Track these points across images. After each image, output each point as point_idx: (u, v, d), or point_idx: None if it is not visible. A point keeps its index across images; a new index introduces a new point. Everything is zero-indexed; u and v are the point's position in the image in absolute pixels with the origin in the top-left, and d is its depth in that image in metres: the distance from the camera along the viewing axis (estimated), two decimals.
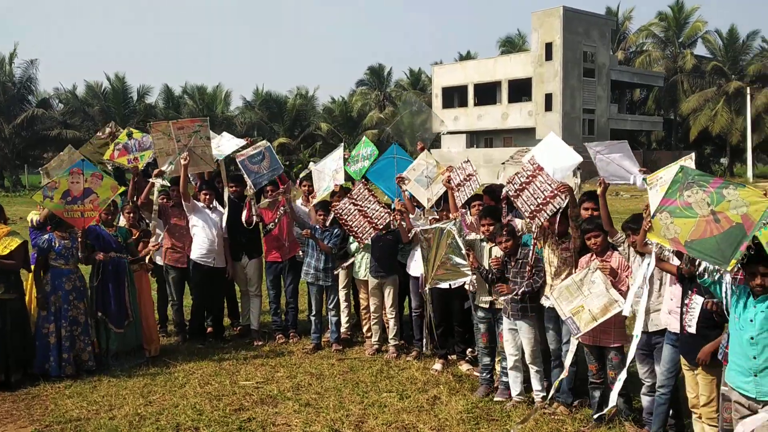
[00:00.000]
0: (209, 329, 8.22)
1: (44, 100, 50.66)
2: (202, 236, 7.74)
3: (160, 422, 5.51)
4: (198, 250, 7.75)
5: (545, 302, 5.59)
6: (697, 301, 4.50)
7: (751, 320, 3.93)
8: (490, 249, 6.12)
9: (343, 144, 8.69)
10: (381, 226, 7.10)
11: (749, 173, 46.62)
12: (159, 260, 8.04)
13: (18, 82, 47.48)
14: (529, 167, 5.72)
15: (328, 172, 7.95)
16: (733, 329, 4.07)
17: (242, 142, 8.55)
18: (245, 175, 7.78)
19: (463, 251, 5.91)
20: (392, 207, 7.21)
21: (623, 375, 4.90)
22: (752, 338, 3.91)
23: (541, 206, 5.49)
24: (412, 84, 68.84)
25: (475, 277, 5.98)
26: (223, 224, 7.88)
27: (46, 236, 6.77)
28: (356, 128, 59.27)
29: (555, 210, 5.43)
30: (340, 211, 7.19)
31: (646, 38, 58.70)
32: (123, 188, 7.00)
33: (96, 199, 6.71)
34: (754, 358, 3.90)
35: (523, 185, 5.69)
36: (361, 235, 7.14)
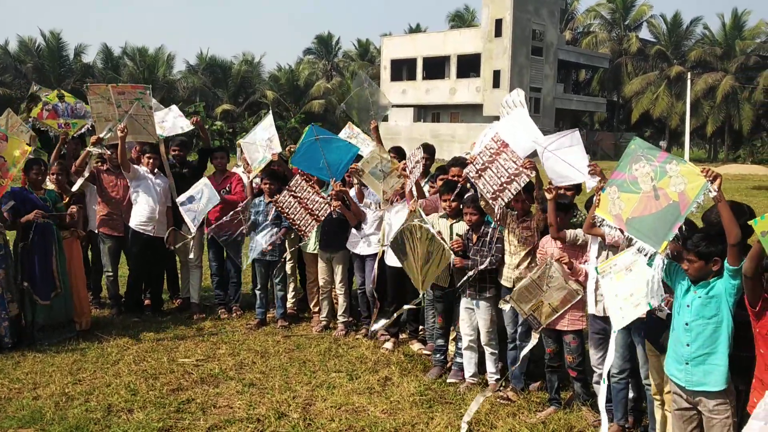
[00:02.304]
0: (147, 302, 7.76)
1: None
2: (143, 204, 7.24)
3: (90, 403, 5.07)
4: (137, 217, 7.25)
5: (503, 306, 5.34)
6: None
7: (688, 305, 3.80)
8: (451, 226, 5.85)
9: (270, 113, 8.21)
10: (322, 218, 6.78)
11: (686, 156, 47.80)
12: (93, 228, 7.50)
13: None
14: (492, 145, 5.40)
15: (260, 142, 7.50)
16: (674, 313, 3.93)
17: (188, 125, 7.93)
18: (185, 217, 7.25)
19: (437, 238, 5.53)
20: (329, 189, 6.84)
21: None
22: (687, 324, 3.79)
23: (504, 185, 5.19)
24: (361, 55, 68.08)
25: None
26: (170, 192, 7.39)
27: None
28: (302, 97, 58.39)
29: (519, 188, 5.16)
30: (281, 204, 6.82)
31: (593, 19, 59.41)
32: (30, 148, 6.37)
33: (3, 164, 6.12)
34: (687, 345, 3.79)
35: (486, 164, 5.36)
36: (304, 228, 6.80)
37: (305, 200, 6.79)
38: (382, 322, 6.21)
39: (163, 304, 7.88)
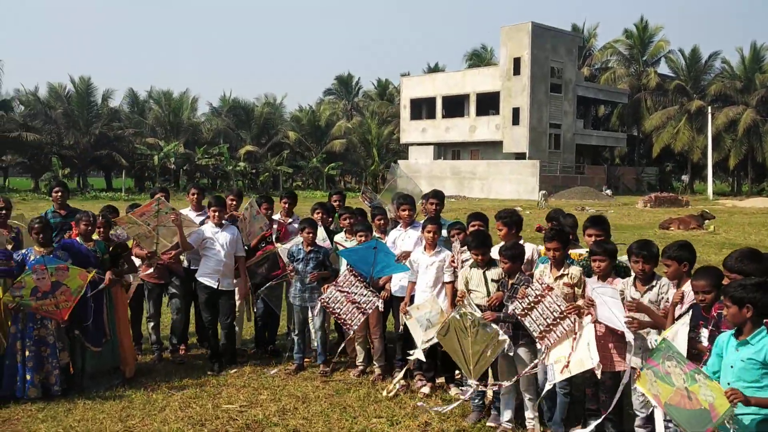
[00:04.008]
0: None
1: (5, 101, 49.34)
2: (209, 257, 7.46)
3: None
4: (203, 269, 7.50)
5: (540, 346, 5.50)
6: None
7: (732, 366, 3.88)
8: (484, 273, 6.00)
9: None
10: (370, 311, 6.97)
11: (709, 190, 47.69)
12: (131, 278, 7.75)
13: None
14: (538, 286, 5.49)
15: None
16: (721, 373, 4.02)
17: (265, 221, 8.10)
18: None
19: (483, 320, 5.70)
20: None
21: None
22: (728, 384, 3.86)
23: (550, 327, 5.37)
24: (380, 94, 69.05)
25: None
26: (237, 242, 7.60)
27: (23, 251, 6.46)
28: (323, 137, 59.14)
29: (565, 332, 5.31)
30: (327, 299, 6.99)
31: (611, 55, 59.87)
32: (92, 274, 6.66)
33: (67, 290, 6.45)
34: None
35: (532, 304, 5.48)
36: (350, 323, 6.95)
37: (353, 294, 6.94)
38: (399, 375, 6.49)
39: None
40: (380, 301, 6.95)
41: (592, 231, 5.73)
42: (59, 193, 8.08)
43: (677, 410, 4.07)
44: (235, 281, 7.62)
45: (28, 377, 6.35)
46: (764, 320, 3.84)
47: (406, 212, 7.38)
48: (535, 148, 47.23)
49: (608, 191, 46.10)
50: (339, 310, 6.95)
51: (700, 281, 4.40)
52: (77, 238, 6.96)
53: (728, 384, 3.84)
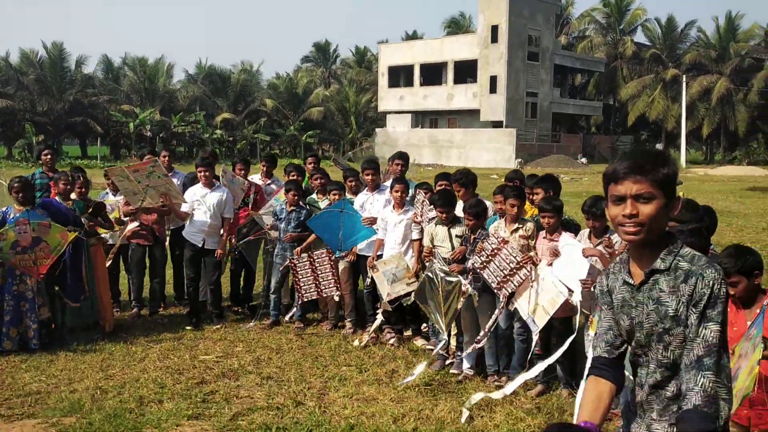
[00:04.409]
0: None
1: None
2: (196, 217, 7.71)
3: (123, 395, 5.55)
4: (189, 227, 7.77)
5: (512, 307, 5.83)
6: None
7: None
8: (449, 230, 6.31)
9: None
10: (324, 296, 7.39)
11: (683, 159, 48.46)
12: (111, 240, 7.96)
13: None
14: (494, 240, 5.76)
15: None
16: None
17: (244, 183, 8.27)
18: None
19: (454, 278, 6.00)
20: (336, 255, 7.36)
21: (563, 347, 5.26)
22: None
23: (507, 278, 5.67)
24: (358, 62, 68.68)
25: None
26: (225, 204, 7.78)
27: (3, 208, 6.65)
28: (301, 105, 58.89)
29: (521, 281, 5.61)
30: (296, 261, 7.30)
31: (588, 24, 60.12)
32: (74, 234, 6.83)
33: (46, 247, 6.65)
34: None
35: (489, 258, 5.77)
36: (303, 293, 7.32)
37: (319, 272, 7.28)
38: (372, 327, 7.04)
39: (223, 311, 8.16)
40: (337, 296, 7.33)
41: (538, 188, 6.18)
42: (48, 156, 8.30)
43: None
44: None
45: (3, 329, 6.56)
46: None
47: (369, 176, 7.63)
48: (512, 117, 47.55)
49: (583, 159, 46.70)
50: (302, 278, 7.29)
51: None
52: (56, 197, 7.15)
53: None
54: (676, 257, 2.30)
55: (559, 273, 5.50)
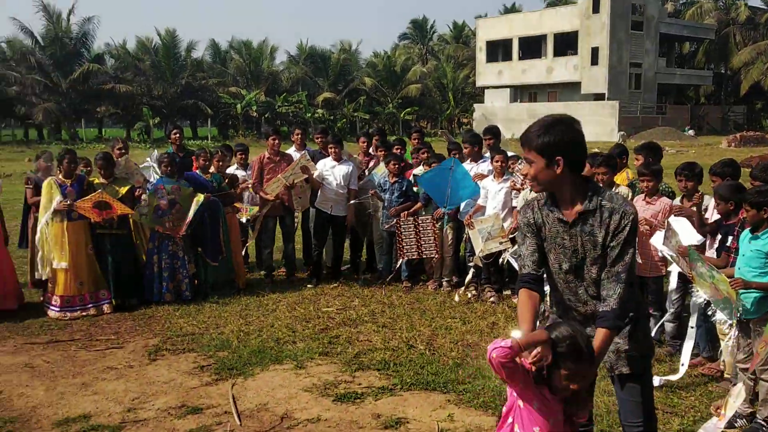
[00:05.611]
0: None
1: (98, 55, 52.03)
2: (326, 187, 8.56)
3: (262, 336, 6.54)
4: (319, 198, 8.63)
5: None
6: None
7: (743, 255, 4.64)
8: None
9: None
10: (423, 256, 8.12)
11: None
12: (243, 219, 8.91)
13: (75, 37, 48.91)
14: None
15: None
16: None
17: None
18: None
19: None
20: (443, 215, 8.04)
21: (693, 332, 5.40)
22: (739, 268, 4.63)
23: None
24: (455, 38, 68.54)
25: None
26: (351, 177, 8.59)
27: (155, 182, 7.80)
28: (399, 82, 59.50)
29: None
30: (401, 223, 8.04)
31: None
32: (203, 197, 7.80)
33: (180, 208, 7.75)
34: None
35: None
36: (404, 252, 8.05)
37: (420, 235, 8.02)
38: (471, 287, 7.76)
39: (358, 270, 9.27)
40: (437, 258, 8.07)
41: (639, 155, 6.64)
42: (177, 135, 9.33)
43: (715, 301, 4.80)
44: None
45: (164, 284, 7.75)
46: None
47: (468, 150, 8.43)
48: (615, 89, 46.42)
49: (691, 131, 45.03)
50: (405, 238, 8.05)
51: (721, 191, 5.20)
52: (197, 171, 8.24)
53: (739, 269, 4.66)
54: (599, 198, 2.98)
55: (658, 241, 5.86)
